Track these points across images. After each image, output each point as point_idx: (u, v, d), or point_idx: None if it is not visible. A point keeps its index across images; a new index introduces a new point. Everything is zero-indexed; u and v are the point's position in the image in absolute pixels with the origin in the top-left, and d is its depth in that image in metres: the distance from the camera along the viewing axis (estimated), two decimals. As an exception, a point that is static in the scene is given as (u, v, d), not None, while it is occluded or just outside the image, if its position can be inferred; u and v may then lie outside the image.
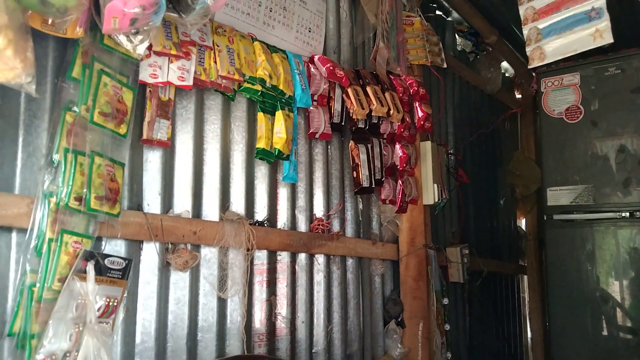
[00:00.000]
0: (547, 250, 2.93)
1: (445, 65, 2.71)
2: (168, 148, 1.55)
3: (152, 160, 1.54)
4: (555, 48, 2.19)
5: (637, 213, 2.61)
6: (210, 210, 1.67)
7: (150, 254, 1.49)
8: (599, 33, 2.05)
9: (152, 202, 1.52)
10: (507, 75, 4.10)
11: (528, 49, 2.26)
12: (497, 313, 3.38)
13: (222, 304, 1.67)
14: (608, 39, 2.04)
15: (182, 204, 1.60)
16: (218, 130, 1.73)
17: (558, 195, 2.87)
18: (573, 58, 3.22)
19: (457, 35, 3.39)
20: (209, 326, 1.62)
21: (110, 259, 1.35)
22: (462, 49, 3.46)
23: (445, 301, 2.43)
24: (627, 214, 2.63)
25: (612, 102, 2.73)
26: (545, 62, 2.22)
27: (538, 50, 2.24)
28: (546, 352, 3.76)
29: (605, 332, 2.65)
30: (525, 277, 3.93)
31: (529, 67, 2.26)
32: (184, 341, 1.54)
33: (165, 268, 1.53)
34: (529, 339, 3.89)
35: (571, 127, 2.85)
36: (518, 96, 4.17)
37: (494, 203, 3.69)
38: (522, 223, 4.07)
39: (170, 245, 1.53)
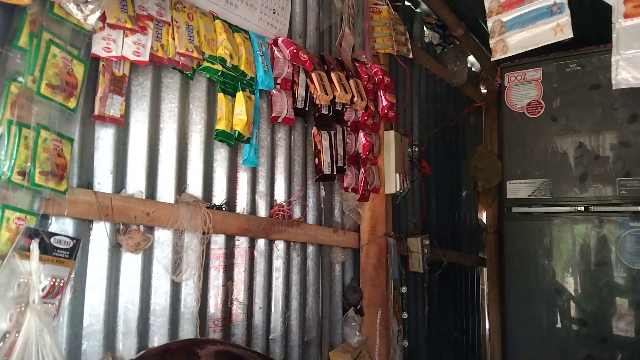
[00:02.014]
0: (505, 242, 2.99)
1: (411, 56, 2.71)
2: (121, 125, 1.50)
3: (104, 137, 1.48)
4: (517, 41, 2.22)
5: (592, 208, 2.69)
6: (165, 192, 1.62)
7: (100, 234, 1.44)
8: (560, 27, 2.08)
9: (103, 181, 1.46)
10: (473, 69, 4.15)
11: (491, 41, 2.28)
12: (456, 304, 3.44)
13: (175, 287, 1.63)
14: (568, 33, 2.07)
15: (136, 184, 1.55)
16: (175, 110, 1.68)
17: (517, 189, 2.93)
18: (536, 53, 3.29)
19: (425, 27, 3.40)
20: (161, 310, 1.58)
21: (56, 237, 1.30)
22: (430, 41, 3.48)
23: (404, 289, 2.45)
24: (583, 208, 2.70)
25: (571, 98, 2.80)
26: (508, 54, 2.24)
27: (501, 43, 2.26)
28: (502, 343, 3.85)
29: (559, 325, 2.73)
30: (485, 269, 4.01)
31: (492, 59, 2.28)
32: (135, 324, 1.50)
33: (116, 249, 1.48)
34: (486, 330, 3.97)
35: (532, 122, 2.91)
36: (483, 91, 4.23)
37: (456, 196, 3.73)
38: (483, 216, 4.14)
39: (121, 226, 1.48)
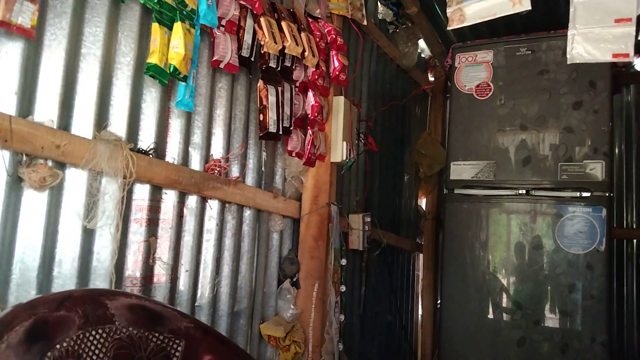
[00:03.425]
0: (446, 223, 2.94)
1: (365, 22, 2.60)
2: (32, 39, 1.27)
3: (11, 51, 1.25)
4: (475, 11, 2.16)
5: (533, 191, 2.68)
6: (82, 126, 1.40)
7: (-5, 163, 1.20)
8: (518, -1, 2.04)
9: (5, 102, 1.23)
10: (422, 55, 4.12)
11: (449, 10, 2.21)
12: (392, 287, 3.38)
13: (88, 237, 1.41)
14: (527, 5, 2.03)
15: (46, 112, 1.32)
16: (101, 35, 1.45)
17: (461, 170, 2.89)
18: (487, 36, 3.29)
19: (380, 2, 3.31)
20: (69, 261, 1.36)
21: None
22: (383, 18, 3.39)
23: (344, 262, 2.33)
24: (524, 191, 2.70)
25: (520, 82, 2.79)
26: (465, 24, 2.18)
27: (458, 12, 2.19)
28: (434, 329, 3.85)
29: (494, 307, 2.71)
30: (421, 255, 3.99)
31: (448, 28, 2.21)
32: (35, 274, 1.27)
33: (16, 184, 1.25)
34: (419, 316, 3.96)
35: (480, 104, 2.87)
36: (431, 78, 4.21)
37: (398, 179, 3.68)
38: (423, 202, 4.12)
39: (25, 157, 1.26)
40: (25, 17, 1.23)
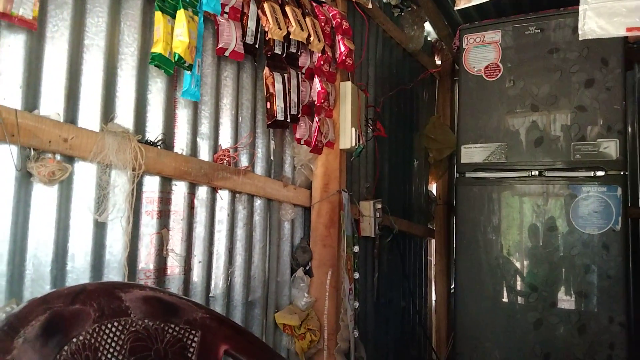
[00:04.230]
0: (458, 207, 2.91)
1: (370, 5, 2.56)
2: (34, 31, 1.25)
3: (13, 44, 1.23)
4: (483, -11, 2.10)
5: (546, 172, 2.64)
6: (88, 119, 1.39)
7: (3, 159, 1.19)
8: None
9: (10, 96, 1.21)
10: (429, 39, 4.06)
11: (456, -11, 2.16)
12: (405, 272, 3.36)
13: (100, 231, 1.41)
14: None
15: (52, 105, 1.31)
16: (104, 26, 1.44)
17: (472, 153, 2.85)
18: (495, 16, 3.23)
19: (384, -15, 3.26)
20: (82, 255, 1.35)
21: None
22: (388, 1, 3.34)
23: (356, 249, 2.31)
24: (537, 172, 2.66)
25: (530, 61, 2.73)
26: (472, 3, 2.12)
27: (466, -9, 2.14)
28: (449, 314, 3.84)
29: (509, 290, 2.69)
30: (433, 240, 3.97)
31: (456, 8, 2.16)
32: (48, 269, 1.27)
33: (25, 179, 1.24)
34: (433, 301, 3.94)
35: (489, 85, 2.83)
36: (438, 62, 4.16)
37: (408, 165, 3.65)
38: (433, 188, 4.09)
39: (32, 152, 1.24)
40: (27, 8, 1.21)
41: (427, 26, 3.76)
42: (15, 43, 1.23)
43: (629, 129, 3.65)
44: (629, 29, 1.82)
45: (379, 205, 2.78)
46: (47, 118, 1.26)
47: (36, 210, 1.26)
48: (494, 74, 2.82)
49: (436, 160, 3.93)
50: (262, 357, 1.30)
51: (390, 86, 3.27)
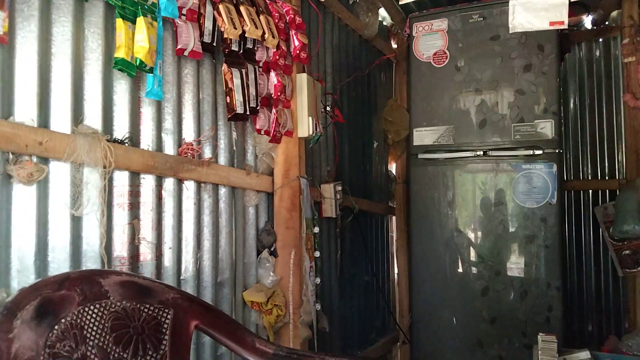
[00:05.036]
0: (412, 187, 3.13)
1: (323, -1, 2.69)
2: (5, 45, 1.36)
3: (-14, 58, 1.34)
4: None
5: (490, 152, 2.87)
6: (60, 123, 1.51)
7: (-16, 163, 1.31)
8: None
9: (-14, 106, 1.33)
10: (384, 24, 4.22)
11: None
12: (367, 249, 3.58)
13: (76, 224, 1.54)
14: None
15: (26, 112, 1.42)
16: (69, 34, 1.54)
17: (423, 136, 3.06)
18: (446, 4, 3.40)
19: (338, -25, 3.38)
20: (62, 247, 1.49)
21: None
22: (342, -10, 3.47)
23: (316, 229, 2.50)
24: (482, 152, 2.89)
25: (474, 48, 2.94)
26: (414, -1, 2.30)
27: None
28: (410, 287, 4.09)
29: (460, 262, 2.93)
30: (394, 217, 4.19)
31: (400, 3, 2.33)
32: (32, 261, 1.40)
33: (6, 180, 1.36)
34: (395, 275, 4.19)
35: (437, 71, 3.03)
36: (394, 45, 4.32)
37: (367, 147, 3.83)
38: (393, 167, 4.30)
39: (11, 156, 1.36)
40: (-2, 24, 1.32)
41: (383, 11, 3.92)
42: (-12, 56, 1.34)
43: (571, 107, 3.93)
44: (551, 23, 2.03)
45: (339, 188, 2.96)
46: (23, 124, 1.38)
47: (18, 209, 1.38)
48: (442, 60, 3.01)
49: (395, 142, 4.12)
50: (229, 329, 1.48)
51: (348, 72, 3.43)
